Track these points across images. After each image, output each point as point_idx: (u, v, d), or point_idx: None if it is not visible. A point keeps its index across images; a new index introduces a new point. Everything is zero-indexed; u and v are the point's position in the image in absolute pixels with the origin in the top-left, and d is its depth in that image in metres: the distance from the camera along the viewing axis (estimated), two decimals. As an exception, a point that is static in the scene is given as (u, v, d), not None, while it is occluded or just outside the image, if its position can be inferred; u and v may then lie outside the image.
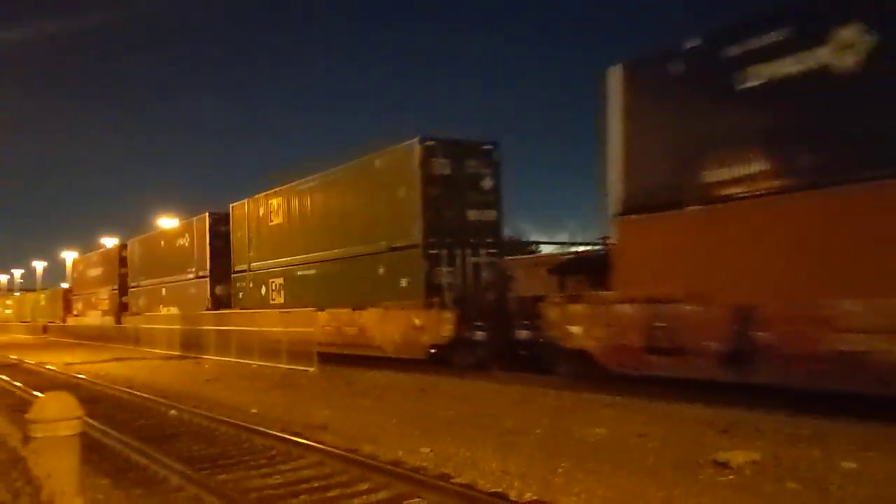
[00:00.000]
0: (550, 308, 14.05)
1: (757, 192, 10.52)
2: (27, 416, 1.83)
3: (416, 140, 17.94)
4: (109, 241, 47.45)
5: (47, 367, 22.68)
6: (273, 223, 25.02)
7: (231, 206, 28.73)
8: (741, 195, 10.71)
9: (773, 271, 10.35)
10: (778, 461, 7.40)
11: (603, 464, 7.57)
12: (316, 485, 7.23)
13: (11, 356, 28.16)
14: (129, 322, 37.54)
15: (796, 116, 10.28)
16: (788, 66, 10.15)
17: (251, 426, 10.08)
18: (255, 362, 20.73)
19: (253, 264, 26.45)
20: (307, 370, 18.07)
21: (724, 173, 10.95)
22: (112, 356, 27.19)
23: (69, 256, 61.45)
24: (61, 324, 51.01)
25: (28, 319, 62.91)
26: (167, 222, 38.09)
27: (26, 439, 1.88)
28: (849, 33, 9.43)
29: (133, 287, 39.95)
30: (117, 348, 31.95)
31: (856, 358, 9.20)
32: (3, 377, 19.09)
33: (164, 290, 35.07)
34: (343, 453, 8.19)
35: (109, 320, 41.34)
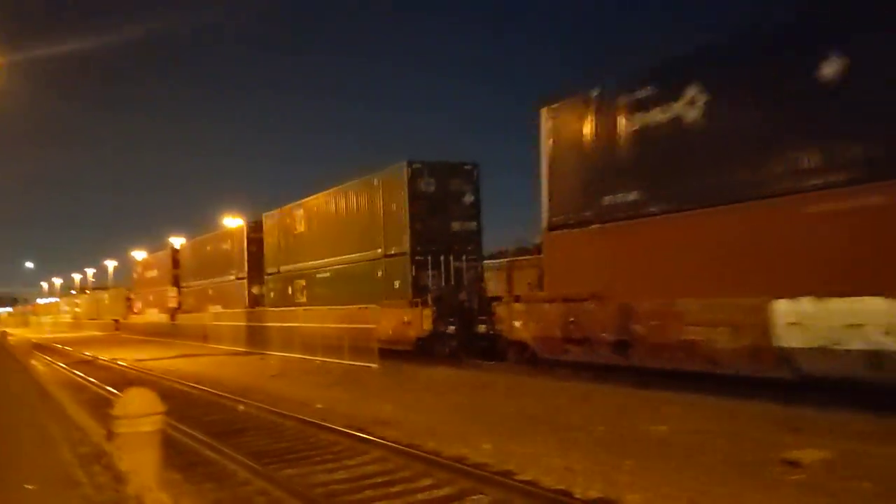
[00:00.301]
0: (500, 307, 17.11)
1: (632, 216, 13.33)
2: (112, 412, 1.92)
3: (404, 163, 20.63)
4: (177, 241, 48.88)
5: (119, 363, 23.49)
6: (297, 231, 27.97)
7: (263, 215, 31.71)
8: (623, 217, 13.51)
9: (643, 277, 13.15)
10: (850, 460, 7.20)
11: (667, 461, 7.50)
12: (380, 480, 7.35)
13: (86, 352, 29.25)
14: (181, 320, 40.14)
15: (661, 155, 12.94)
16: (656, 116, 12.92)
17: (316, 421, 10.29)
18: (318, 358, 21.09)
19: (281, 267, 29.21)
20: (369, 366, 18.30)
21: (614, 199, 13.74)
22: (180, 352, 27.98)
23: (138, 255, 63.45)
24: (124, 321, 53.18)
25: (95, 317, 65.59)
26: (231, 222, 39.14)
27: (110, 435, 1.97)
28: (692, 92, 12.16)
29: (184, 287, 42.83)
30: (185, 344, 32.84)
31: (693, 345, 11.87)
32: (79, 373, 19.87)
33: (210, 290, 37.85)
34: (406, 449, 8.31)
35: (165, 318, 43.56)
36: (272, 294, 29.99)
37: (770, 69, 11.13)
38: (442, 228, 20.50)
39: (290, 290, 28.04)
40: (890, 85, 9.58)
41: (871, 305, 9.56)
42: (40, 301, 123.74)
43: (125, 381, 17.88)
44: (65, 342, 39.89)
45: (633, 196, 13.39)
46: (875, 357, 9.59)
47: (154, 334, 41.99)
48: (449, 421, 10.51)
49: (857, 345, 9.75)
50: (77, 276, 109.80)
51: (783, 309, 10.65)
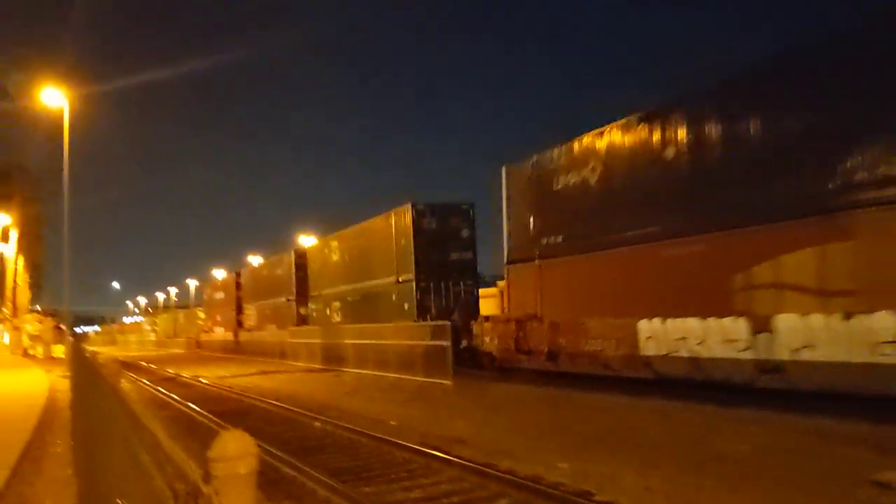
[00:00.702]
0: (476, 325, 21.24)
1: (558, 254, 17.67)
2: (209, 454, 2.00)
3: (409, 205, 24.56)
4: (255, 259, 51.01)
5: (200, 380, 24.17)
6: (333, 260, 32.35)
7: (306, 247, 38.39)
8: (552, 255, 17.86)
9: (565, 301, 17.48)
10: (948, 483, 6.85)
11: (750, 482, 7.28)
12: (456, 499, 7.35)
13: (169, 370, 30.24)
14: (244, 338, 44.40)
15: (573, 209, 17.33)
16: (572, 178, 17.31)
17: (391, 439, 10.37)
18: (392, 374, 21.28)
19: (322, 291, 33.51)
20: (443, 383, 18.36)
21: (548, 241, 18.12)
22: (258, 369, 28.63)
23: (219, 274, 65.46)
24: (202, 339, 56.86)
25: (172, 335, 68.75)
26: (307, 240, 40.81)
27: (207, 476, 2.05)
28: (592, 162, 16.70)
29: (246, 307, 47.14)
30: (262, 361, 33.62)
31: (595, 354, 15.88)
32: (163, 390, 20.53)
33: (267, 310, 42.18)
34: (481, 468, 8.29)
35: (230, 336, 47.80)
36: (314, 314, 34.32)
37: (635, 152, 15.45)
38: (442, 259, 24.33)
39: (328, 311, 32.30)
40: (692, 174, 13.93)
41: (690, 324, 13.52)
42: (126, 320, 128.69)
43: (206, 398, 18.41)
44: (149, 360, 41.32)
45: (558, 239, 17.79)
46: (694, 361, 13.42)
47: (231, 351, 43.21)
48: (523, 438, 10.44)
49: (683, 353, 13.62)
50: (161, 296, 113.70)
51: (643, 327, 14.61)
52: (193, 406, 15.85)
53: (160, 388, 21.00)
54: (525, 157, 19.30)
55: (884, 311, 10.26)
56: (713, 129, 13.43)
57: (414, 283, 24.02)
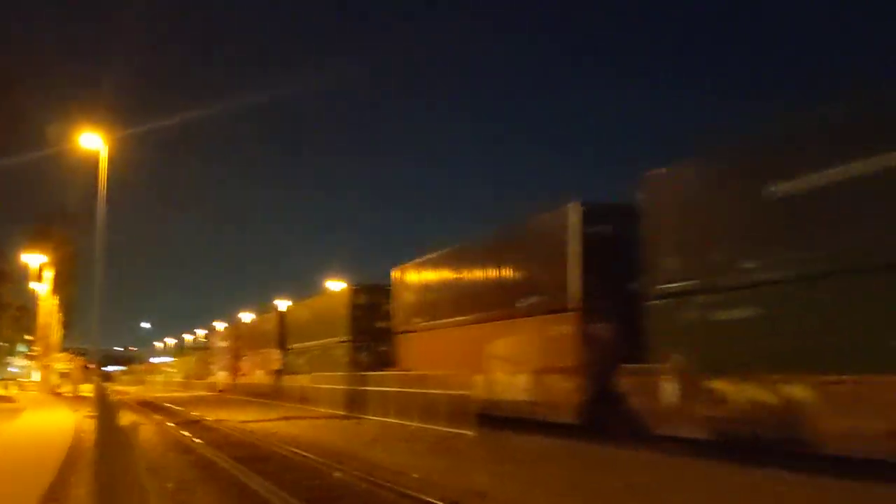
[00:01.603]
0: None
1: (432, 328, 24.76)
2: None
3: (348, 286, 35.55)
4: (282, 304, 51.95)
5: (224, 424, 24.17)
6: (304, 319, 41.03)
7: (287, 306, 48.99)
8: (428, 328, 25.10)
9: (446, 358, 22.44)
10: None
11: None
12: (474, 557, 7.22)
13: (193, 412, 30.32)
14: (242, 380, 51.67)
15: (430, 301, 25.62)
16: (446, 274, 24.92)
17: (412, 493, 10.25)
18: (413, 423, 21.12)
19: (294, 345, 41.64)
20: (465, 433, 18.17)
21: (424, 320, 25.62)
22: (280, 414, 28.58)
23: (246, 317, 65.91)
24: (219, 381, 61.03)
25: (191, 377, 72.44)
26: (334, 285, 41.87)
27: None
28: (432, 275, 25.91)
29: (244, 356, 53.46)
30: (283, 406, 33.61)
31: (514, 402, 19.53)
32: (186, 433, 20.56)
33: (258, 358, 47.92)
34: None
35: (229, 378, 56.06)
36: (300, 362, 40.03)
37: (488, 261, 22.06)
38: (371, 325, 31.94)
39: (300, 361, 39.52)
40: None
41: (519, 378, 18.98)
42: (154, 360, 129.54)
43: (229, 442, 18.40)
44: (174, 401, 41.52)
45: (426, 317, 25.42)
46: (518, 403, 18.96)
47: (248, 394, 43.62)
48: (547, 494, 10.27)
49: (514, 396, 19.22)
50: (189, 337, 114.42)
51: (478, 380, 19.98)
52: (216, 451, 15.85)
53: (185, 431, 21.06)
54: (402, 263, 28.36)
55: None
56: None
57: (350, 343, 32.44)
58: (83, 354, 55.07)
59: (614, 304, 16.20)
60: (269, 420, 25.83)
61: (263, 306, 61.83)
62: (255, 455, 15.71)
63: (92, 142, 27.98)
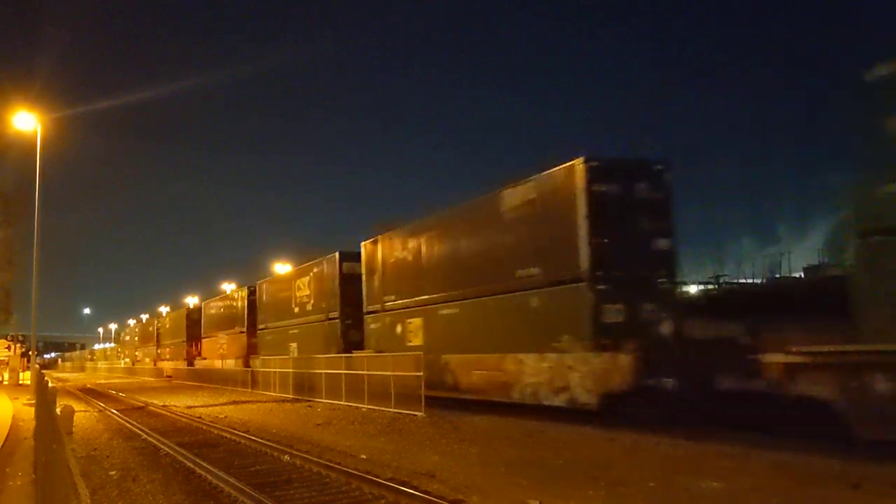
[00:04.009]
0: None
1: (394, 309, 23.97)
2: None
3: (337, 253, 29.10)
4: (228, 287, 51.37)
5: (171, 410, 23.73)
6: (276, 297, 37.61)
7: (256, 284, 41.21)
8: (391, 310, 24.24)
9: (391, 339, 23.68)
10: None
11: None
12: (424, 537, 7.20)
13: (138, 398, 29.71)
14: (162, 366, 57.00)
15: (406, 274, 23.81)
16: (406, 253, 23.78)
17: (361, 473, 10.19)
18: (364, 406, 21.04)
19: (269, 324, 38.06)
20: (415, 414, 18.17)
21: (389, 299, 24.42)
22: (229, 399, 28.23)
23: (191, 301, 64.82)
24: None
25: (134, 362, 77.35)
26: (281, 268, 41.19)
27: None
28: (421, 240, 22.97)
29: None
30: (233, 391, 33.17)
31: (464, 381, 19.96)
32: (130, 420, 20.12)
33: (222, 341, 45.92)
34: (450, 504, 8.15)
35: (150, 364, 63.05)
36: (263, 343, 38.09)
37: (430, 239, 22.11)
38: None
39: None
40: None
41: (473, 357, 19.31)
42: (97, 346, 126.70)
43: (175, 429, 18.07)
44: (118, 388, 40.69)
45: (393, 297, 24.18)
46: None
47: (201, 380, 42.89)
48: (495, 473, 10.32)
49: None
50: (132, 322, 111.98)
51: (450, 358, 20.20)
52: (161, 438, 15.54)
53: (129, 419, 20.60)
54: (371, 237, 25.85)
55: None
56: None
57: (339, 320, 28.39)
58: (22, 341, 53.42)
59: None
60: (218, 405, 25.48)
61: (213, 291, 61.46)
62: (202, 441, 15.45)
63: (26, 122, 27.02)
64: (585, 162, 15.71)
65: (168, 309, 78.82)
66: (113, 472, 11.56)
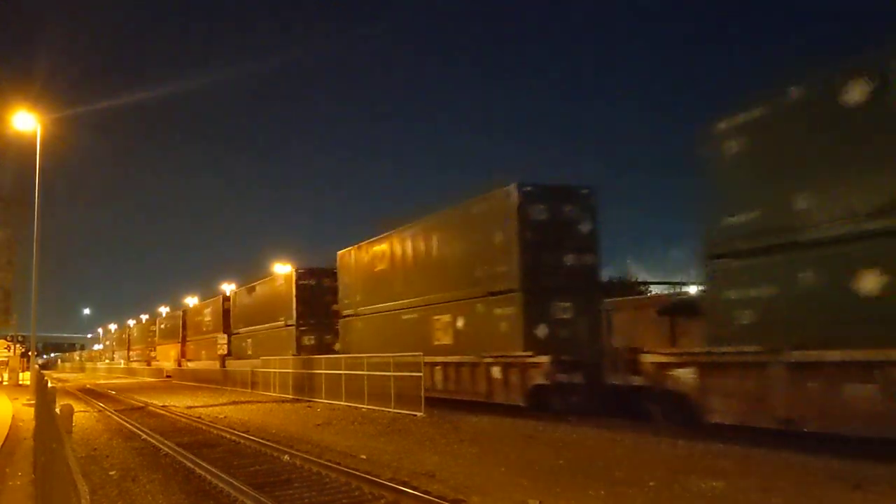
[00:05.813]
0: None
1: (374, 313, 26.07)
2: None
3: (292, 268, 35.69)
4: (228, 287, 51.40)
5: (171, 410, 23.70)
6: (247, 303, 42.72)
7: (233, 289, 47.35)
8: (370, 313, 26.40)
9: (390, 343, 22.66)
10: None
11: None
12: (424, 537, 7.18)
13: (138, 398, 29.67)
14: (156, 366, 59.67)
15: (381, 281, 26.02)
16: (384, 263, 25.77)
17: (360, 473, 10.18)
18: (364, 406, 21.03)
19: (240, 329, 43.04)
20: (415, 414, 18.16)
21: (371, 303, 26.44)
22: (229, 399, 28.20)
23: (191, 302, 64.78)
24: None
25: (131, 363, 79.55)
26: (280, 268, 41.07)
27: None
28: (394, 245, 25.48)
29: (190, 340, 56.61)
30: (233, 391, 33.14)
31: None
32: (130, 420, 20.11)
33: (204, 343, 49.71)
34: (450, 504, 8.13)
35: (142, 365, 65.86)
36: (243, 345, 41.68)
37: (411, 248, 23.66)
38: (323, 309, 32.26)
39: (243, 344, 41.40)
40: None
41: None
42: (96, 347, 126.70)
43: (175, 429, 18.05)
44: (118, 388, 40.63)
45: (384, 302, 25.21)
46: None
47: (199, 380, 42.90)
48: (495, 473, 10.31)
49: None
50: (132, 322, 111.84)
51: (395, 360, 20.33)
52: (161, 438, 15.52)
53: (128, 419, 20.57)
54: (355, 244, 28.17)
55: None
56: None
57: (295, 327, 33.43)
58: (21, 342, 53.43)
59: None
60: (218, 405, 25.46)
61: (211, 292, 61.54)
62: (202, 441, 15.44)
63: (26, 122, 27.01)
64: (518, 188, 18.31)
65: (168, 309, 78.80)
66: (113, 472, 11.54)
